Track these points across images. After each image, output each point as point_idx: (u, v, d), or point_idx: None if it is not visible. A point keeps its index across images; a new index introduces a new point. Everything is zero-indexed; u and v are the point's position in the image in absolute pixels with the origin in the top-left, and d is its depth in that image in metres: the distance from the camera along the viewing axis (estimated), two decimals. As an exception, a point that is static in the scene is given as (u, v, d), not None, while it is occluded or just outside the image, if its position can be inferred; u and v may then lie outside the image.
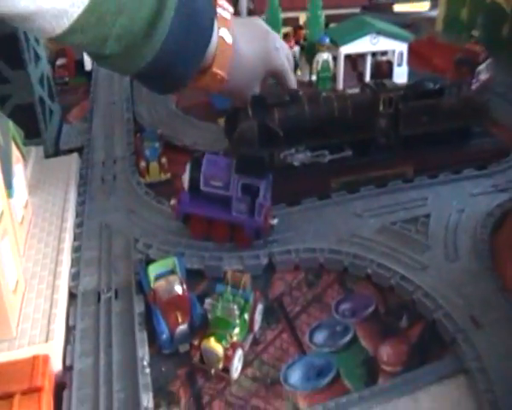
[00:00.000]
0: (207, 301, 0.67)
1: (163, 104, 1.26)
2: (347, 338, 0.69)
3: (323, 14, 1.33)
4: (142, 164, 1.01)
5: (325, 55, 1.21)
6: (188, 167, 0.80)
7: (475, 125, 1.04)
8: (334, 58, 1.24)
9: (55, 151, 1.14)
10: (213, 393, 0.62)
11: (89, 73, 1.50)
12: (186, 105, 1.27)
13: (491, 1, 1.54)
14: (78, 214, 0.92)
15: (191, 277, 0.77)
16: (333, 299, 0.74)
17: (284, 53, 0.85)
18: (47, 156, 1.09)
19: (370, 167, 0.95)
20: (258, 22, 0.83)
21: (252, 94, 0.86)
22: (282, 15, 1.28)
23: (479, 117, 1.02)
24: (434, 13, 1.85)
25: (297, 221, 0.86)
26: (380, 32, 1.22)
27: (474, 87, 1.20)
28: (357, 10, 1.41)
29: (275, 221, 0.82)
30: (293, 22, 1.34)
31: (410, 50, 1.45)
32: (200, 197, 0.80)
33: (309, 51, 1.27)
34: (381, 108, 0.94)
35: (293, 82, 0.91)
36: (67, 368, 0.65)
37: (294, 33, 1.35)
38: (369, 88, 0.96)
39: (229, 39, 0.71)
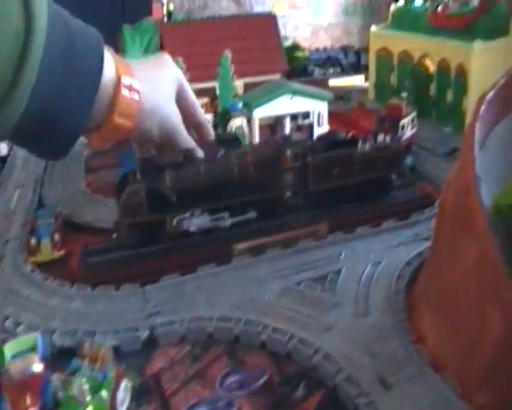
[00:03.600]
0: (55, 376, 0.56)
1: (72, 184, 1.18)
2: (229, 416, 0.57)
3: (242, 82, 1.28)
4: (33, 241, 0.90)
5: (238, 121, 1.14)
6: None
7: (396, 178, 0.97)
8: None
9: None
10: None
11: (4, 159, 1.41)
12: (96, 185, 1.18)
13: (417, 62, 1.50)
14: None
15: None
16: (219, 372, 0.63)
17: (190, 89, 0.75)
18: None
19: (278, 229, 0.86)
20: (164, 60, 0.73)
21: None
22: (197, 87, 1.22)
23: (394, 166, 0.94)
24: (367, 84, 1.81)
25: (189, 291, 0.75)
26: (296, 93, 1.16)
27: (400, 142, 1.12)
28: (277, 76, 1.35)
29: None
30: (210, 93, 1.27)
31: (340, 118, 1.41)
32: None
33: (221, 119, 1.20)
34: (286, 162, 0.85)
35: (210, 129, 0.81)
36: None
37: (211, 104, 1.28)
38: (272, 142, 0.88)
39: (135, 85, 0.62)
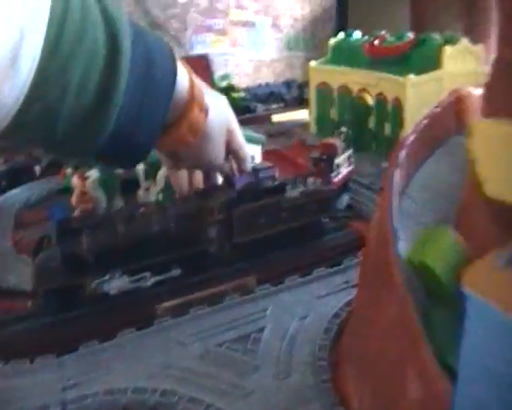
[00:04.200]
0: None
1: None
2: None
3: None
4: None
5: (165, 171, 1.10)
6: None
7: (329, 221, 0.95)
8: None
9: None
10: None
11: None
12: (24, 243, 1.14)
13: (356, 96, 1.50)
14: None
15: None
16: (131, 449, 0.59)
17: (240, 132, 0.81)
18: None
19: (205, 285, 0.82)
20: (223, 98, 0.78)
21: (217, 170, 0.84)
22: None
23: (325, 210, 0.92)
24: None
25: (107, 359, 0.71)
26: (227, 138, 1.13)
27: (335, 181, 1.10)
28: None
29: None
30: None
31: (278, 156, 1.39)
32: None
33: (151, 170, 1.16)
34: (209, 215, 0.82)
35: (249, 164, 0.87)
36: None
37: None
38: (194, 195, 0.85)
39: (205, 105, 0.67)
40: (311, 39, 2.33)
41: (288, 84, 2.04)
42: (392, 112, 1.36)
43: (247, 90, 1.99)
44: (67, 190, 1.23)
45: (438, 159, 0.74)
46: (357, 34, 1.71)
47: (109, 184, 1.12)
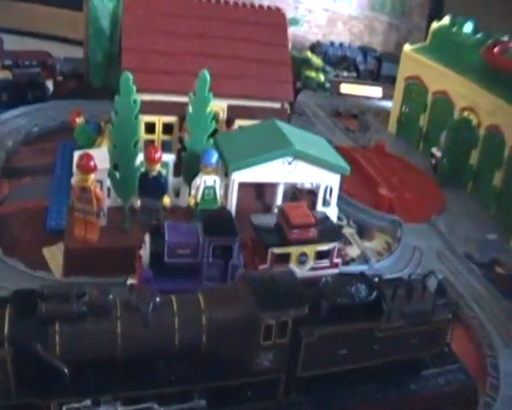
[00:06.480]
0: None
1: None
2: None
3: (226, 104, 0.94)
4: None
5: (210, 180, 0.78)
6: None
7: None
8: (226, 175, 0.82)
9: None
10: None
11: None
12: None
13: (460, 114, 1.16)
14: None
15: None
16: None
17: None
18: None
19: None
20: None
21: None
22: (165, 98, 0.90)
23: (438, 344, 0.64)
24: (386, 103, 1.53)
25: None
26: (299, 156, 0.80)
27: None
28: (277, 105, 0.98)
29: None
30: (181, 109, 0.89)
31: (354, 161, 1.08)
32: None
33: (189, 166, 0.83)
34: (265, 336, 0.53)
35: None
36: None
37: (180, 126, 0.91)
38: (243, 294, 0.55)
39: None
40: (400, 4, 1.94)
41: (364, 51, 1.71)
42: (509, 159, 1.03)
43: (317, 45, 1.66)
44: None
45: None
46: (468, 27, 1.34)
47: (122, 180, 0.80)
